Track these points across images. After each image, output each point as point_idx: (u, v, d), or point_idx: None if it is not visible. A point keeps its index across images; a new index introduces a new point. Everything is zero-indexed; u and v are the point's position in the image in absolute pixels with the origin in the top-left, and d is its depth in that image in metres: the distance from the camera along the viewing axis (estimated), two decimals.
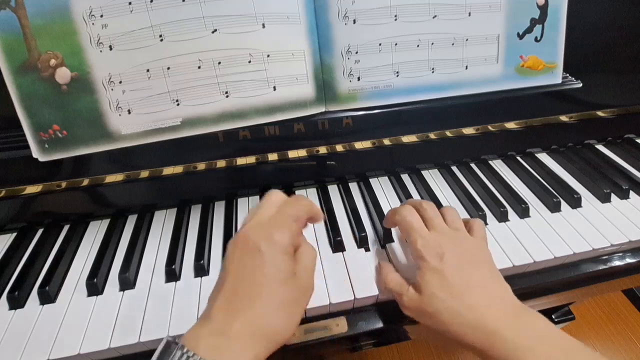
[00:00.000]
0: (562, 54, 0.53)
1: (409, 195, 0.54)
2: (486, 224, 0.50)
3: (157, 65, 0.43)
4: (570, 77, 0.55)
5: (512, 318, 0.33)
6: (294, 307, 0.33)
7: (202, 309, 0.40)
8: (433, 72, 0.50)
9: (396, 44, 0.49)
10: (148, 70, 0.43)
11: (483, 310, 0.34)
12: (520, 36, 0.51)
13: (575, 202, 0.52)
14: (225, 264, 0.34)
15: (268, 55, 0.45)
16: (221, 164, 0.52)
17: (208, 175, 0.52)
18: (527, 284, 0.45)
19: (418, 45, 0.49)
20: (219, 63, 0.44)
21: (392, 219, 0.43)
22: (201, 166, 0.51)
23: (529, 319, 0.34)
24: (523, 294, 0.46)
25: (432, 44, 0.49)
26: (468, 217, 0.44)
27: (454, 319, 0.34)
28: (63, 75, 0.42)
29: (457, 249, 0.37)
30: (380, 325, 0.42)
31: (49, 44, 0.41)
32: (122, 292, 0.43)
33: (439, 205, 0.52)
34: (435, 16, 0.48)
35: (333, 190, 0.57)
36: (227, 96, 0.46)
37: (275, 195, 0.38)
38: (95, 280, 0.43)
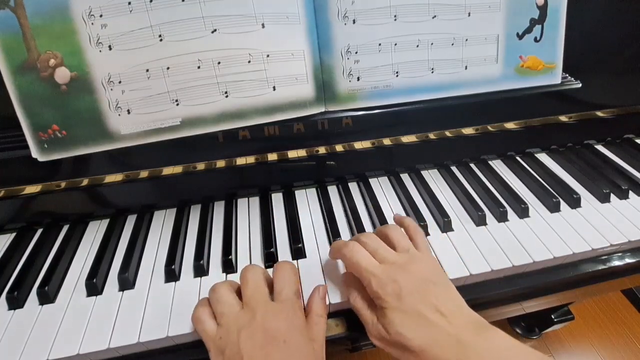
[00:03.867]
0: (562, 54, 0.53)
1: (408, 196, 0.54)
2: (485, 224, 0.50)
3: (156, 65, 0.43)
4: (569, 77, 0.55)
5: (473, 339, 0.34)
6: None
7: None
8: (432, 72, 0.51)
9: (396, 44, 0.49)
10: (147, 70, 0.43)
11: (444, 338, 0.34)
12: (520, 36, 0.51)
13: (574, 202, 0.52)
14: (234, 351, 0.32)
15: (268, 55, 0.45)
16: (221, 164, 0.51)
17: (208, 176, 0.52)
18: (527, 284, 0.45)
19: (417, 46, 0.49)
20: (219, 63, 0.44)
21: (336, 256, 0.43)
22: (201, 166, 0.51)
23: (489, 335, 0.34)
24: (522, 294, 0.46)
25: (432, 44, 0.49)
26: (413, 224, 0.44)
27: (421, 353, 0.34)
28: (62, 75, 0.42)
29: (411, 277, 0.37)
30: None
31: (48, 43, 0.40)
32: (121, 292, 0.43)
33: (440, 208, 0.52)
34: (434, 16, 0.48)
35: (332, 191, 0.57)
36: (226, 96, 0.46)
37: (257, 271, 0.38)
38: (94, 280, 0.43)
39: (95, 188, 0.50)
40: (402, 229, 0.43)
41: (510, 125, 0.57)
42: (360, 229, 0.49)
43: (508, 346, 0.33)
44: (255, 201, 0.56)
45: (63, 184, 0.49)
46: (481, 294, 0.44)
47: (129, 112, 0.44)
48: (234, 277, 0.44)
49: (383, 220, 0.50)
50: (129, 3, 0.41)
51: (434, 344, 0.33)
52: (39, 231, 0.53)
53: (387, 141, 0.54)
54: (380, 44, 0.48)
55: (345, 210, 0.53)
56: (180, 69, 0.44)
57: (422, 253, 0.41)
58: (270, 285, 0.39)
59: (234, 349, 0.33)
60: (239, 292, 0.38)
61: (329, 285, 0.42)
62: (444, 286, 0.38)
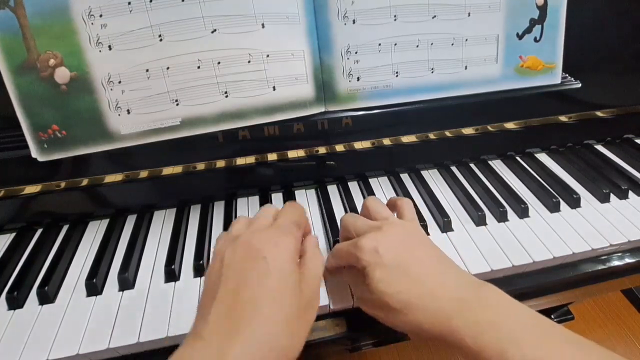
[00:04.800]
0: (562, 54, 0.53)
1: (408, 196, 0.54)
2: (485, 224, 0.50)
3: (156, 65, 0.43)
4: (569, 77, 0.55)
5: (465, 295, 0.31)
6: (301, 322, 0.30)
7: None
8: (432, 72, 0.51)
9: (395, 44, 0.49)
10: (147, 70, 0.43)
11: (433, 293, 0.32)
12: (520, 36, 0.51)
13: (574, 202, 0.52)
14: (216, 268, 0.31)
15: (267, 55, 0.45)
16: (220, 164, 0.51)
17: (207, 175, 0.52)
18: (527, 284, 0.45)
19: (417, 46, 0.49)
20: (219, 63, 0.44)
21: (332, 263, 0.40)
22: (201, 166, 0.51)
23: (485, 293, 0.32)
24: (522, 294, 0.46)
25: (432, 44, 0.49)
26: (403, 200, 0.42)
27: (407, 310, 0.31)
28: (62, 75, 0.42)
29: (389, 236, 0.35)
30: (380, 325, 0.42)
31: (48, 43, 0.40)
32: (121, 292, 0.43)
33: (440, 207, 0.52)
34: (434, 16, 0.48)
35: (332, 191, 0.57)
36: (226, 96, 0.46)
37: (270, 207, 0.37)
38: (94, 280, 0.43)
39: (95, 188, 0.50)
40: (381, 201, 0.41)
41: (510, 125, 0.57)
42: None
43: (504, 303, 0.31)
44: (255, 201, 0.56)
45: (63, 184, 0.49)
46: None
47: (128, 112, 0.44)
48: None
49: None
50: (129, 3, 0.41)
51: (419, 299, 0.31)
52: (39, 231, 0.53)
53: (387, 141, 0.54)
54: (380, 44, 0.48)
55: (345, 210, 0.53)
56: (180, 69, 0.44)
57: (406, 222, 0.38)
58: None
59: (218, 254, 0.32)
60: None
61: (329, 287, 0.42)
62: (429, 245, 0.36)
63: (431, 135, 0.56)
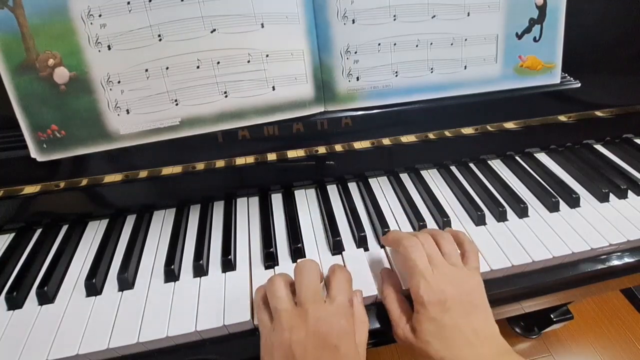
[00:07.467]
0: (561, 54, 0.53)
1: (408, 196, 0.54)
2: (485, 223, 0.50)
3: (155, 65, 0.43)
4: (568, 77, 0.55)
5: None
6: None
7: (201, 308, 0.40)
8: (432, 72, 0.51)
9: (395, 44, 0.49)
10: (147, 70, 0.43)
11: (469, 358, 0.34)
12: (519, 36, 0.51)
13: (573, 201, 0.52)
14: (283, 354, 0.33)
15: (267, 55, 0.45)
16: (220, 164, 0.51)
17: (207, 176, 0.52)
18: (526, 283, 0.46)
19: (417, 45, 0.49)
20: (218, 63, 0.44)
21: (391, 244, 0.43)
22: (200, 166, 0.51)
23: None
24: (522, 294, 0.46)
25: (431, 44, 0.49)
26: (464, 227, 0.43)
27: None
28: (61, 75, 0.42)
29: (459, 294, 0.37)
30: (379, 325, 0.42)
31: (47, 43, 0.40)
32: (121, 292, 0.43)
33: (440, 207, 0.52)
34: (434, 16, 0.48)
35: (332, 191, 0.57)
36: (226, 96, 0.46)
37: (309, 270, 0.37)
38: (94, 280, 0.43)
39: (95, 188, 0.50)
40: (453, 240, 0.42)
41: (509, 125, 0.58)
42: (360, 229, 0.48)
43: None
44: (254, 201, 0.56)
45: (62, 184, 0.49)
46: None
47: (128, 112, 0.44)
48: (234, 277, 0.44)
49: (383, 220, 0.50)
50: (128, 3, 0.41)
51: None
52: (38, 231, 0.52)
53: (386, 141, 0.54)
54: (379, 44, 0.48)
55: (344, 210, 0.53)
56: (180, 69, 0.44)
57: (471, 272, 0.40)
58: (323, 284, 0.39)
59: (284, 346, 0.33)
60: (293, 284, 0.38)
61: None
62: (485, 310, 0.38)
63: (431, 135, 0.56)
